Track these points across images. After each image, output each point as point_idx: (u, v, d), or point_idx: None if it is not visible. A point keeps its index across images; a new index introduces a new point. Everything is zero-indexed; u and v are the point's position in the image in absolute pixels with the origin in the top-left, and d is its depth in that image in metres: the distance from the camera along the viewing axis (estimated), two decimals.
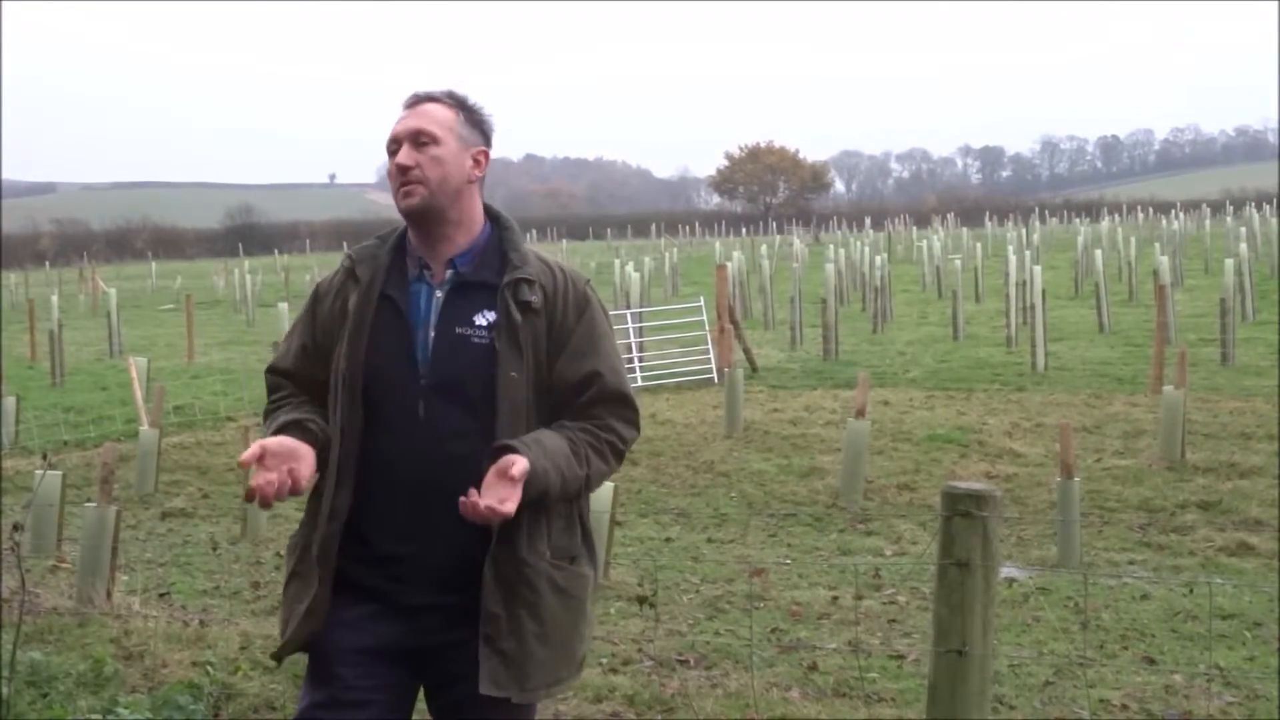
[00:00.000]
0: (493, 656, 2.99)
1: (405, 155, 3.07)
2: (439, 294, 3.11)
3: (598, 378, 3.09)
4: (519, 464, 2.85)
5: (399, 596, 3.07)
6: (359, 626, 3.07)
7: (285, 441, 3.00)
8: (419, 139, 3.08)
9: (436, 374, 3.05)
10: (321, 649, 3.11)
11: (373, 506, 3.08)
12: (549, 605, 3.04)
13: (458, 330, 3.07)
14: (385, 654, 3.08)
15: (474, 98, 3.21)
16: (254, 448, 2.94)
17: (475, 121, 3.17)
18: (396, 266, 3.17)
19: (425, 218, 3.11)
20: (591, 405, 3.10)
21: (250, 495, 2.93)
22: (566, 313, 3.12)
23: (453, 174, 3.10)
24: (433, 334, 3.08)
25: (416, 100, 3.14)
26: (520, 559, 3.00)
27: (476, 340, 3.06)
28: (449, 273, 3.13)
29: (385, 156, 3.15)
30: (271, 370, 3.32)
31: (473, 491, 2.84)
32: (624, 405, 3.14)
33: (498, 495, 2.85)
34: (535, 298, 3.08)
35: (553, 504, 3.04)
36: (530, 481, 2.89)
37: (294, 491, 2.97)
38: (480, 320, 3.07)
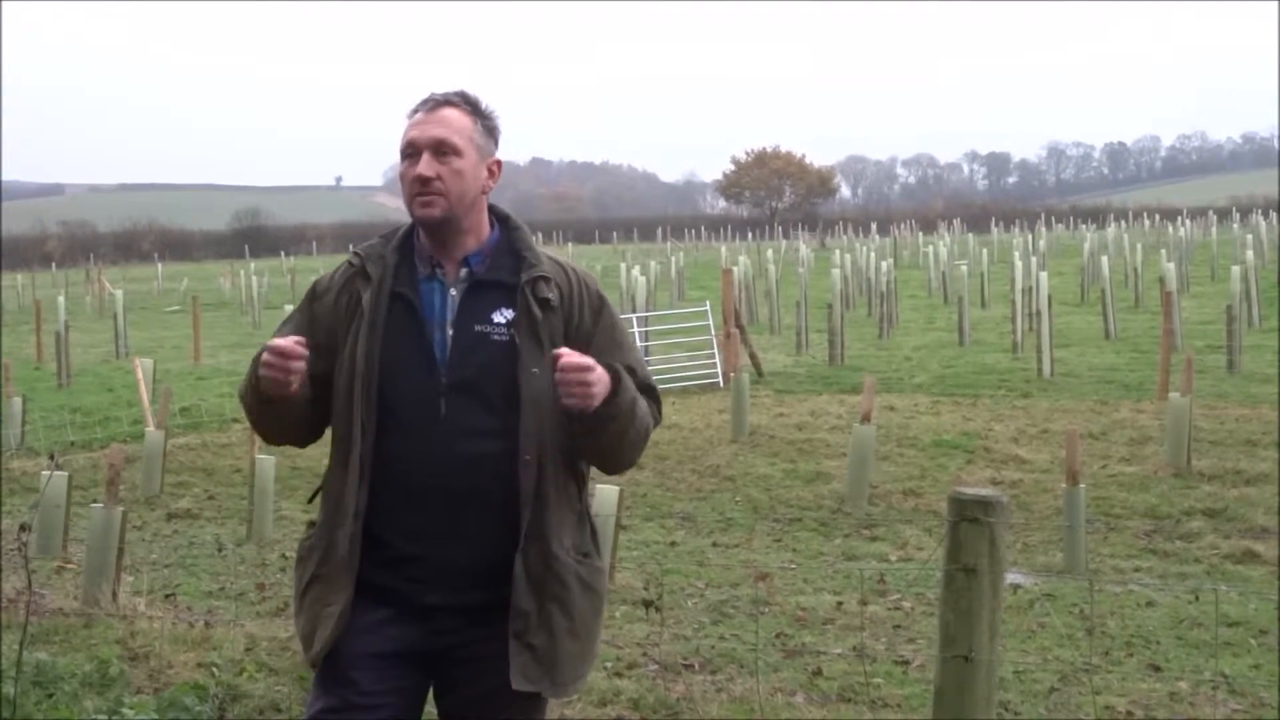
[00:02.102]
0: (524, 652, 3.00)
1: (427, 166, 3.06)
2: (454, 292, 3.11)
3: (630, 373, 3.09)
4: (598, 369, 2.92)
5: (416, 597, 3.06)
6: (376, 631, 3.06)
7: (295, 346, 2.98)
8: (441, 149, 3.06)
9: (457, 372, 3.05)
10: (337, 654, 3.07)
11: (388, 507, 3.06)
12: (577, 600, 3.06)
13: (477, 328, 3.08)
14: (401, 657, 3.07)
15: (484, 100, 3.20)
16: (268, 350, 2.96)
17: (490, 129, 3.17)
18: (404, 265, 3.17)
19: (441, 228, 3.12)
20: None
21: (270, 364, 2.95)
22: (583, 313, 3.13)
23: (471, 187, 3.10)
24: (450, 332, 3.08)
25: (434, 104, 3.11)
26: (550, 554, 3.03)
27: (496, 337, 3.07)
28: (464, 271, 3.13)
29: (391, 159, 3.21)
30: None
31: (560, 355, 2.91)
32: (651, 396, 3.18)
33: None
34: (553, 295, 3.10)
35: (628, 437, 3.06)
36: (621, 392, 2.97)
37: (288, 386, 2.98)
38: (499, 317, 3.08)
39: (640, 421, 3.06)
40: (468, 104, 3.14)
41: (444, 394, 3.04)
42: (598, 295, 3.19)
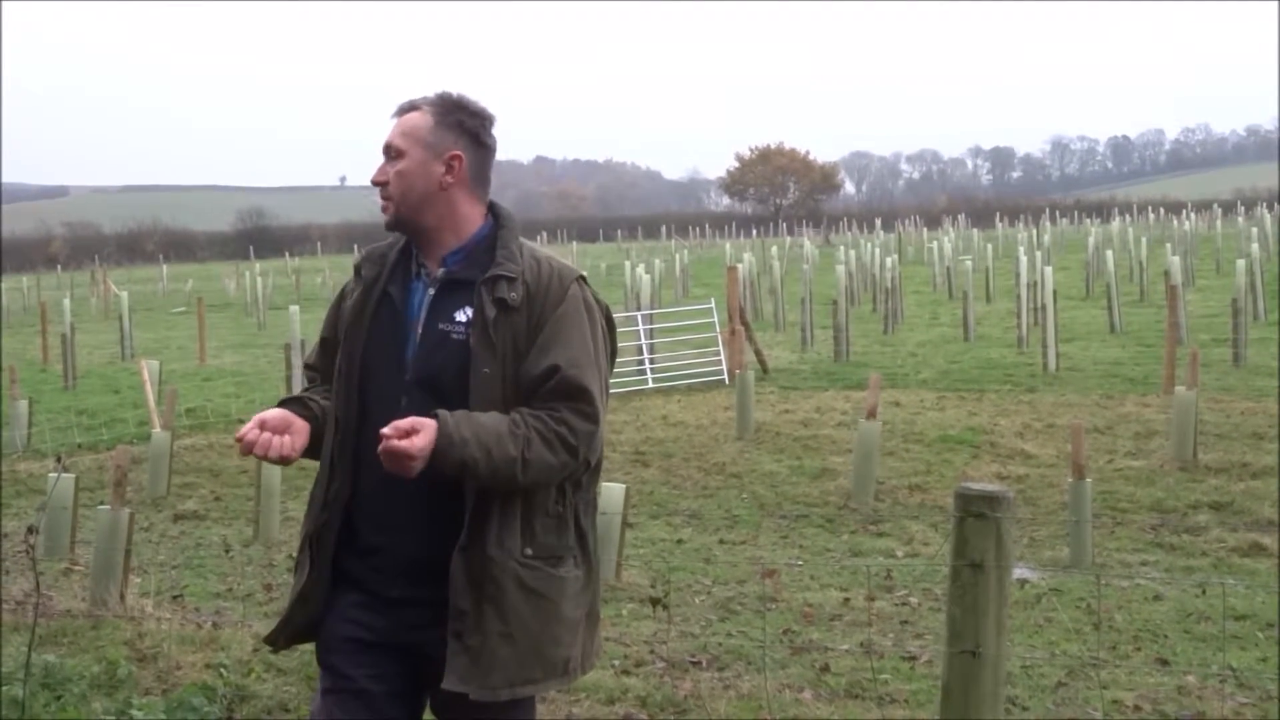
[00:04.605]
0: (460, 652, 3.02)
1: (378, 171, 3.17)
2: (430, 291, 3.17)
3: (556, 371, 3.06)
4: (413, 419, 2.90)
5: (380, 587, 3.13)
6: (347, 616, 3.16)
7: (282, 414, 3.12)
8: (388, 152, 3.16)
9: (419, 369, 3.12)
10: (320, 637, 3.21)
11: (363, 499, 3.16)
12: (514, 604, 3.04)
13: (440, 326, 3.13)
14: (375, 647, 3.14)
15: (467, 94, 3.21)
16: (251, 422, 3.07)
17: (453, 123, 3.16)
18: (402, 265, 3.24)
19: (403, 229, 3.20)
20: (549, 397, 3.07)
21: (244, 447, 3.06)
22: (545, 308, 3.12)
23: (417, 185, 3.14)
24: (420, 330, 3.14)
25: (400, 111, 3.20)
26: (487, 555, 3.02)
27: (455, 336, 3.10)
28: (440, 271, 3.18)
29: None
30: (305, 366, 3.48)
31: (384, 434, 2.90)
32: (579, 398, 3.07)
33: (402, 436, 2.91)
34: (514, 294, 3.08)
35: (487, 482, 2.98)
36: (444, 448, 2.90)
37: (285, 459, 3.08)
38: (460, 316, 3.11)
39: (500, 465, 2.96)
40: (433, 103, 3.18)
41: (405, 391, 3.11)
42: (564, 289, 3.14)
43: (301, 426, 3.12)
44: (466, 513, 3.01)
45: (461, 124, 3.17)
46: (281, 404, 3.18)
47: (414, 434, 2.88)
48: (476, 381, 3.04)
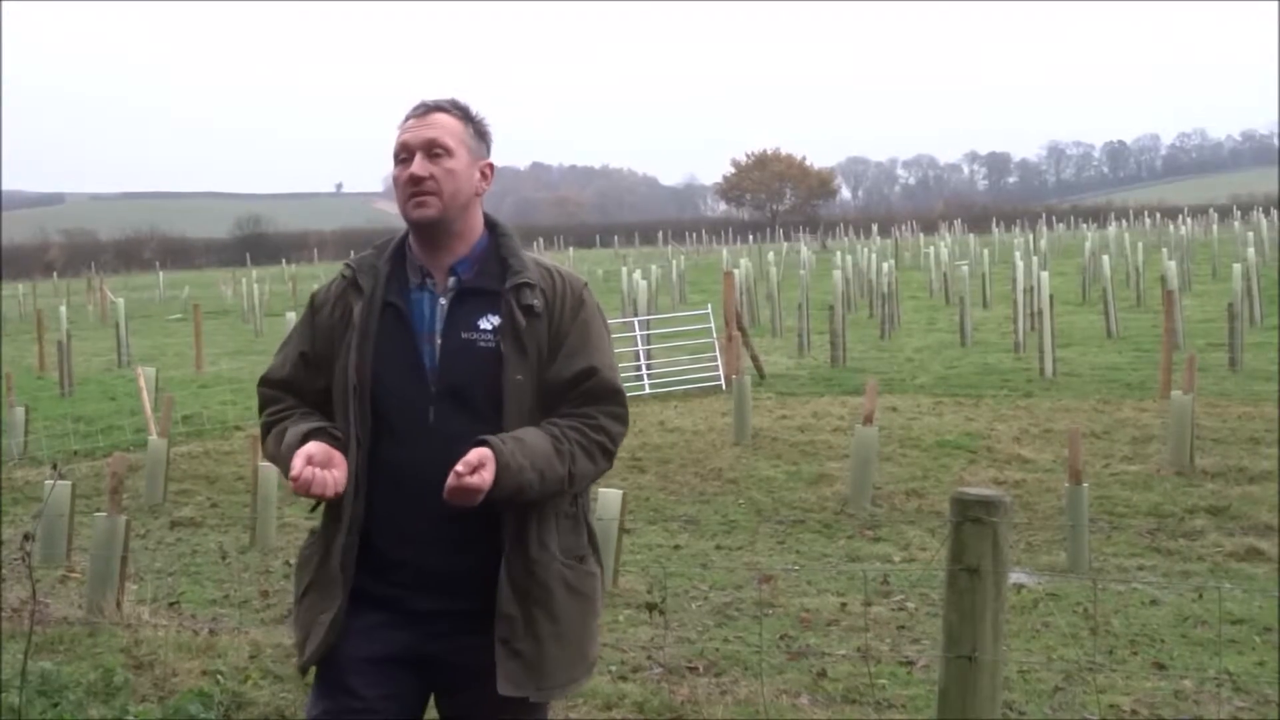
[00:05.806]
0: (510, 658, 3.02)
1: (420, 166, 3.09)
2: (443, 301, 3.13)
3: (593, 373, 3.10)
4: (478, 452, 2.86)
5: (408, 603, 3.09)
6: (371, 635, 3.09)
7: (323, 447, 3.02)
8: (432, 149, 3.10)
9: (445, 380, 3.08)
10: (333, 659, 3.11)
11: (382, 514, 3.10)
12: (562, 604, 3.07)
13: (464, 336, 3.10)
14: (396, 662, 3.10)
15: (475, 107, 3.24)
16: (299, 458, 2.96)
17: (481, 133, 3.21)
18: (396, 275, 3.19)
19: (434, 229, 3.13)
20: (584, 401, 3.10)
21: (301, 486, 2.94)
22: (564, 314, 3.14)
23: (464, 187, 3.13)
24: (439, 341, 3.10)
25: (426, 109, 3.16)
26: (532, 559, 3.03)
27: (482, 345, 3.08)
28: (452, 280, 3.15)
29: (391, 165, 3.17)
30: (265, 383, 3.32)
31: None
32: (615, 401, 3.14)
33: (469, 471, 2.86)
34: (538, 301, 3.11)
35: (535, 501, 3.01)
36: (503, 476, 2.88)
37: (339, 495, 3.00)
38: (485, 325, 3.09)
39: (551, 483, 2.99)
40: (458, 109, 3.19)
41: (433, 402, 3.07)
42: (579, 296, 3.19)
43: (340, 459, 3.04)
44: (506, 521, 3.01)
45: (485, 135, 3.22)
46: (308, 435, 3.06)
47: (481, 468, 2.85)
48: (509, 389, 3.04)
